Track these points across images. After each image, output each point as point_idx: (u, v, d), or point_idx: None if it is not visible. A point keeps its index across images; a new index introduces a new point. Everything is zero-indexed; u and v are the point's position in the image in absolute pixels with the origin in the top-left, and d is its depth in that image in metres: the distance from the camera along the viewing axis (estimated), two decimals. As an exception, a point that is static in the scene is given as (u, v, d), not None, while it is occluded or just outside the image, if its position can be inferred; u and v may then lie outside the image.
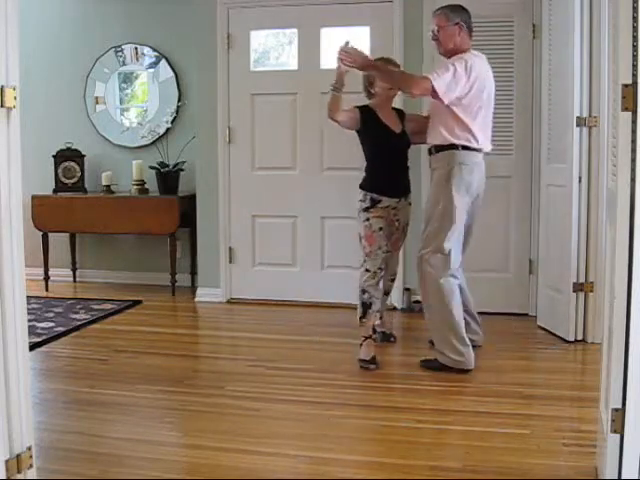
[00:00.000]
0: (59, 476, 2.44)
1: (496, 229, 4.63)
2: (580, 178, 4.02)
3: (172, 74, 5.69)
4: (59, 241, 5.88)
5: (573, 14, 3.91)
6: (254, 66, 5.16)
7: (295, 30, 5.04)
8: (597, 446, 2.49)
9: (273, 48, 5.31)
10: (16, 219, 2.15)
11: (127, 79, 5.94)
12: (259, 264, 5.21)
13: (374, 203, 3.74)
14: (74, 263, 5.93)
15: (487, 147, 3.64)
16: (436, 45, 3.68)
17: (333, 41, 4.45)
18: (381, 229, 3.74)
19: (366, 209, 3.75)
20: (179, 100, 5.65)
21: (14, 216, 2.14)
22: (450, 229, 3.54)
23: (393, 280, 4.12)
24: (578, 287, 4.09)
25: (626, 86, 1.99)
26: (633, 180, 1.99)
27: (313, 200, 5.04)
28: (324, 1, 4.88)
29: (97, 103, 5.87)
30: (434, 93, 3.44)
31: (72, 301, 5.23)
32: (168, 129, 5.67)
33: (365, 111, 3.79)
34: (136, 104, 6.03)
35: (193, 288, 5.53)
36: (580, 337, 4.11)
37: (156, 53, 5.72)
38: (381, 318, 4.13)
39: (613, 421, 2.07)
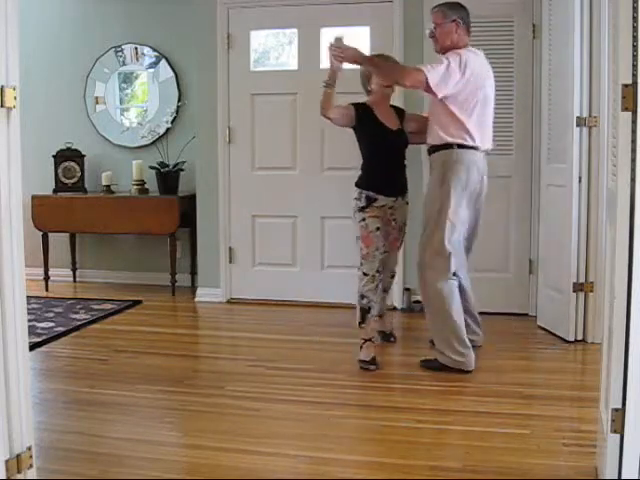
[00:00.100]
0: (59, 476, 2.44)
1: (496, 229, 4.63)
2: (580, 178, 4.02)
3: (172, 74, 5.69)
4: (59, 241, 5.88)
5: (573, 14, 3.91)
6: (254, 66, 5.16)
7: (295, 30, 5.04)
8: (597, 446, 2.49)
9: (273, 48, 5.31)
10: (16, 219, 2.15)
11: (127, 79, 5.94)
12: (259, 264, 5.21)
13: (370, 202, 3.70)
14: (74, 263, 5.93)
15: (485, 145, 3.59)
16: (433, 43, 3.66)
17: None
18: (378, 229, 3.70)
19: (362, 209, 3.71)
20: (179, 100, 5.65)
21: (14, 216, 2.14)
22: (448, 229, 3.51)
23: (392, 277, 4.10)
24: (578, 287, 4.09)
25: (626, 86, 1.99)
26: (633, 180, 1.99)
27: (313, 200, 5.04)
28: (324, 1, 4.89)
29: (97, 103, 5.87)
30: (427, 86, 3.40)
31: (72, 301, 5.23)
32: (168, 129, 5.67)
33: (361, 108, 3.75)
34: (136, 104, 6.03)
35: (193, 288, 5.53)
36: (580, 337, 4.11)
37: (156, 53, 5.72)
38: (381, 317, 4.11)
39: (613, 421, 2.07)
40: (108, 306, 5.04)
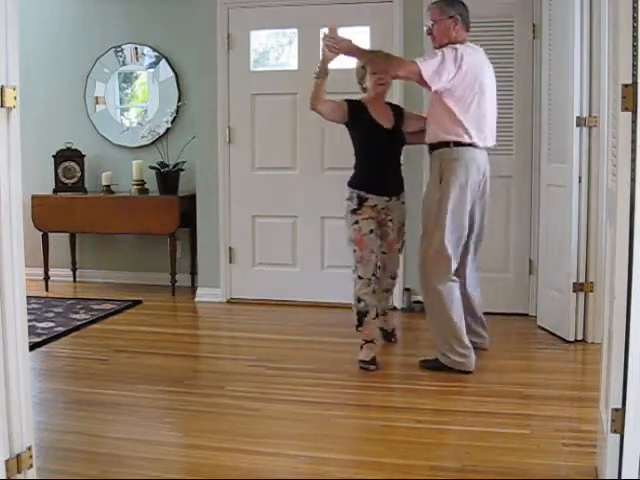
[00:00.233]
0: (59, 476, 2.44)
1: (496, 229, 4.62)
2: (580, 178, 4.02)
3: (172, 74, 5.69)
4: (59, 241, 5.88)
5: (573, 14, 3.91)
6: (254, 66, 5.16)
7: (295, 30, 5.04)
8: (597, 446, 2.49)
9: (273, 48, 5.31)
10: (16, 219, 2.15)
11: (127, 79, 5.94)
12: (259, 264, 5.21)
13: (361, 201, 3.65)
14: (74, 263, 5.93)
15: (485, 142, 3.55)
16: (431, 40, 3.62)
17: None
18: (372, 231, 3.64)
19: (354, 211, 3.65)
20: (179, 100, 5.65)
21: (14, 216, 2.14)
22: (448, 229, 3.49)
23: (394, 278, 4.03)
24: (578, 287, 4.09)
25: (626, 86, 1.99)
26: (633, 180, 1.99)
27: (313, 200, 5.04)
28: (324, 1, 4.89)
29: (97, 103, 5.87)
30: (421, 78, 3.36)
31: (72, 301, 5.23)
32: (168, 129, 5.67)
33: (355, 106, 3.70)
34: (136, 104, 6.03)
35: (193, 288, 5.53)
36: (580, 337, 4.11)
37: (156, 53, 5.72)
38: (384, 314, 4.07)
39: (613, 421, 2.07)
40: (108, 306, 5.04)
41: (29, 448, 2.19)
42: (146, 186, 5.55)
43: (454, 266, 3.55)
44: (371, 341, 3.70)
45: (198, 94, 5.22)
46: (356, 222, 3.65)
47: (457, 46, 3.43)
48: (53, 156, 5.69)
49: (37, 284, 5.55)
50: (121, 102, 5.99)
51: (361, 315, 3.68)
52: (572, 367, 3.85)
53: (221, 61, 5.08)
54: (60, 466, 2.52)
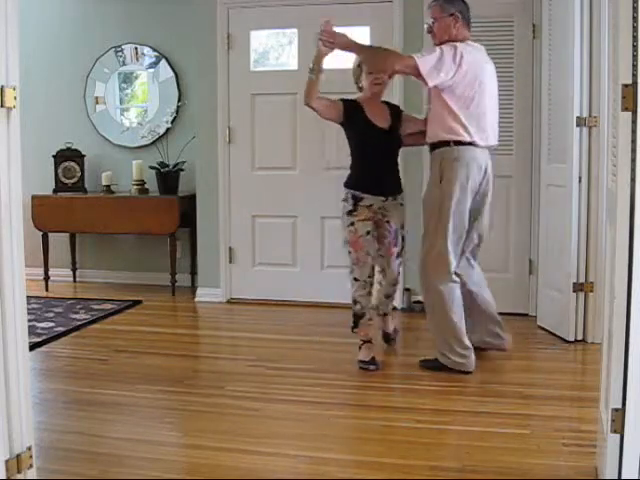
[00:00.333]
0: (59, 476, 2.44)
1: (496, 229, 4.61)
2: (580, 178, 4.02)
3: (172, 74, 5.69)
4: (59, 241, 5.88)
5: (573, 14, 3.91)
6: (254, 66, 5.16)
7: (295, 30, 5.04)
8: (597, 446, 2.49)
9: (273, 48, 5.31)
10: (16, 219, 2.15)
11: (127, 79, 5.94)
12: (259, 264, 5.21)
13: (356, 202, 3.61)
14: (74, 263, 5.93)
15: (486, 141, 3.52)
16: (431, 38, 3.61)
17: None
18: (368, 233, 3.60)
19: (350, 212, 3.61)
20: (179, 100, 5.65)
21: (14, 216, 2.14)
22: (449, 229, 3.47)
23: (394, 285, 3.90)
24: (578, 287, 4.09)
25: (626, 86, 1.99)
26: (633, 180, 1.99)
27: (313, 200, 5.04)
28: (324, 1, 4.88)
29: (97, 103, 5.87)
30: (418, 73, 3.34)
31: (72, 301, 5.23)
32: (168, 129, 5.67)
33: (351, 106, 3.66)
34: (136, 104, 6.03)
35: (193, 288, 5.53)
36: (580, 337, 4.11)
37: (156, 53, 5.72)
38: (385, 315, 4.03)
39: (613, 421, 2.07)
40: (108, 306, 5.04)
41: (29, 448, 2.19)
42: (146, 186, 5.55)
43: (455, 266, 3.54)
44: (369, 341, 3.70)
45: (198, 94, 5.22)
46: (352, 224, 3.61)
47: (457, 44, 3.42)
48: (53, 156, 5.69)
49: (37, 284, 5.55)
50: (121, 102, 5.99)
51: (357, 317, 3.67)
52: (572, 367, 3.85)
53: (221, 61, 5.08)
54: (60, 466, 2.52)
